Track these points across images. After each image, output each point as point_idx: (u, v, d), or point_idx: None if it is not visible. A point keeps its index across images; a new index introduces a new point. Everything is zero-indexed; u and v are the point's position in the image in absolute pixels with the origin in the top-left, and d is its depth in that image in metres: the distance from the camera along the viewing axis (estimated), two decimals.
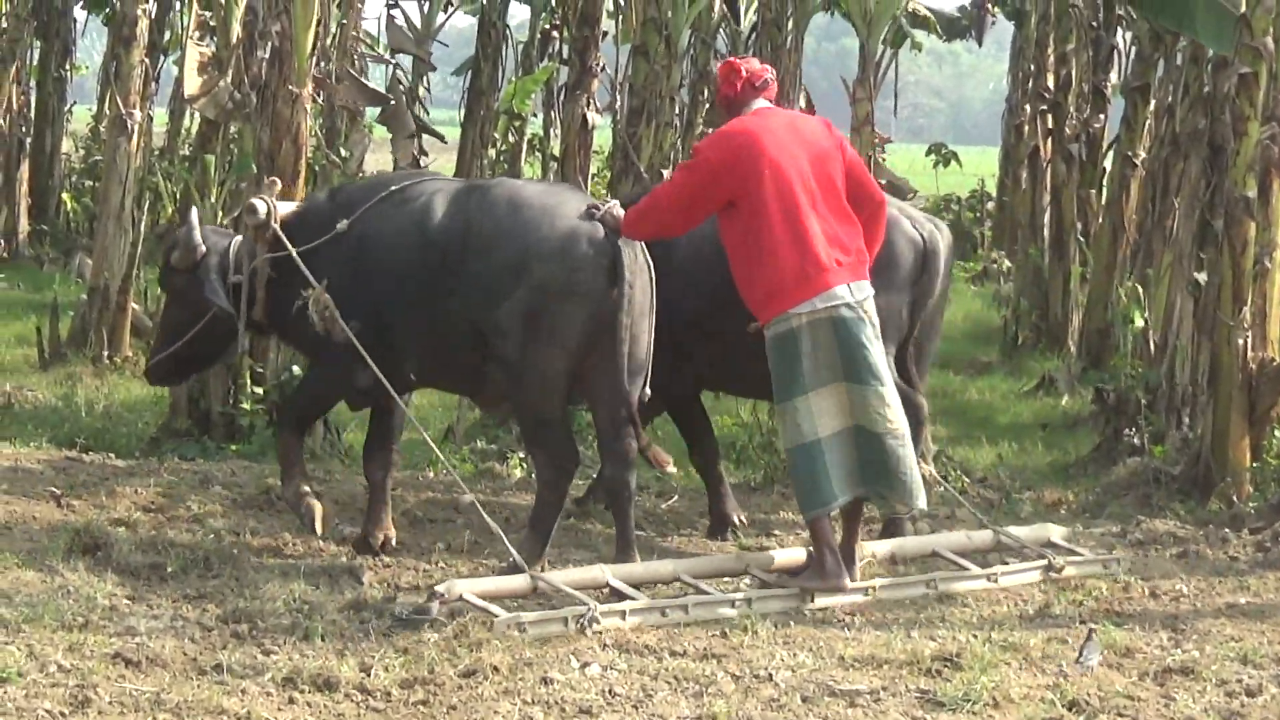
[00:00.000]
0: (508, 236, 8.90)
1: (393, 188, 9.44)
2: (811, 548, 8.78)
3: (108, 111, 18.58)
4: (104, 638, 7.45)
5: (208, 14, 17.83)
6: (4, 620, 7.56)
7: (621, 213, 8.85)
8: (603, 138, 17.48)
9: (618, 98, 14.97)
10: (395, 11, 18.60)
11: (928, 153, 30.28)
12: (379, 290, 9.20)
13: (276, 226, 9.40)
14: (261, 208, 9.41)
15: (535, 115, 24.08)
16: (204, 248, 9.51)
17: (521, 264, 8.82)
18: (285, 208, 9.53)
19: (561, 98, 17.50)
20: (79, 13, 21.96)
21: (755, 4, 20.85)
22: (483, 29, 22.46)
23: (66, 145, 25.56)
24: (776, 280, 8.49)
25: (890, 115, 19.46)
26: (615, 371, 8.86)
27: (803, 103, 21.90)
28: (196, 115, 18.35)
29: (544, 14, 23.09)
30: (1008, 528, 9.82)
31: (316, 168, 12.50)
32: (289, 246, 9.30)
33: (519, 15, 25.42)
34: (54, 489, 10.20)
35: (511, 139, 23.72)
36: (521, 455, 11.64)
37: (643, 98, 13.76)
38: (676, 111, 15.52)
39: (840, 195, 8.71)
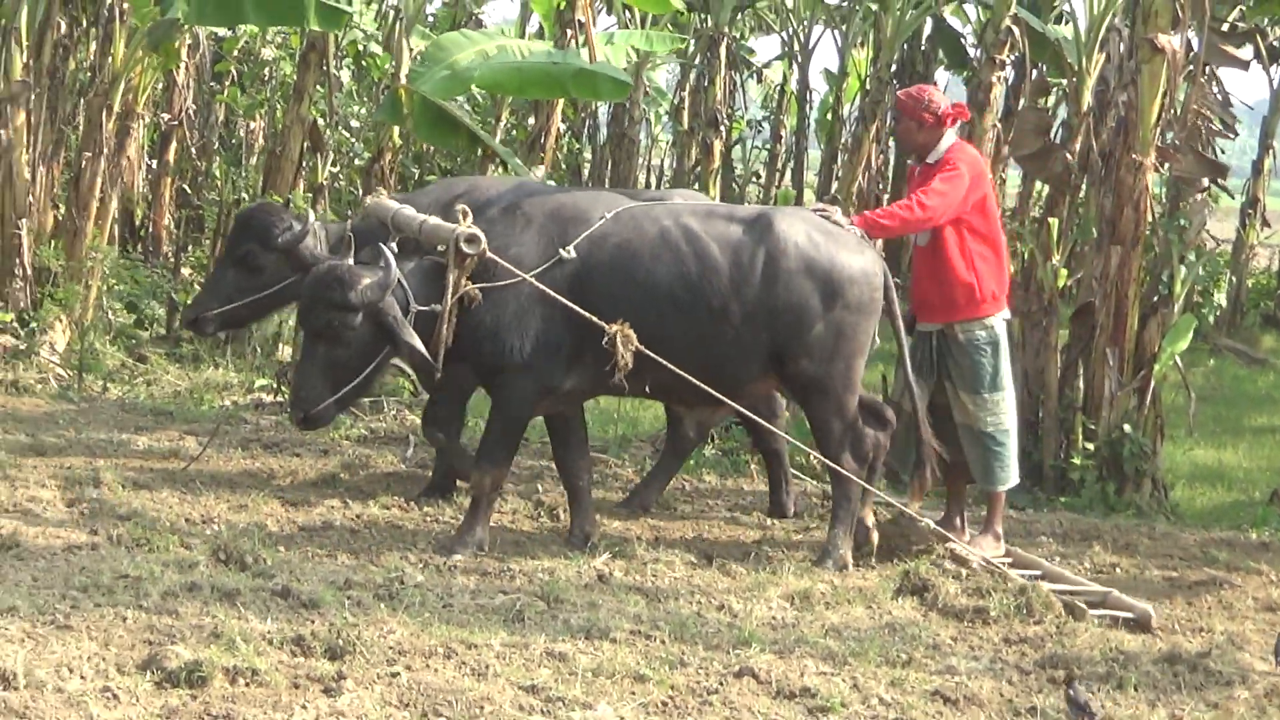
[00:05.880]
0: (816, 265, 9.56)
1: (613, 211, 9.58)
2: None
3: None
4: (925, 675, 7.69)
5: (1063, 83, 18.15)
6: (832, 653, 7.88)
7: (840, 215, 9.85)
8: None
9: None
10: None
11: None
12: (620, 308, 9.36)
13: (496, 257, 9.24)
14: (483, 237, 9.22)
15: None
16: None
17: (835, 288, 9.53)
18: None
19: None
20: (941, 74, 22.66)
21: None
22: None
23: None
24: (988, 287, 9.89)
25: None
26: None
27: None
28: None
29: None
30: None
31: (1154, 236, 12.58)
32: (531, 280, 9.27)
33: None
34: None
35: None
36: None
37: None
38: None
39: None
